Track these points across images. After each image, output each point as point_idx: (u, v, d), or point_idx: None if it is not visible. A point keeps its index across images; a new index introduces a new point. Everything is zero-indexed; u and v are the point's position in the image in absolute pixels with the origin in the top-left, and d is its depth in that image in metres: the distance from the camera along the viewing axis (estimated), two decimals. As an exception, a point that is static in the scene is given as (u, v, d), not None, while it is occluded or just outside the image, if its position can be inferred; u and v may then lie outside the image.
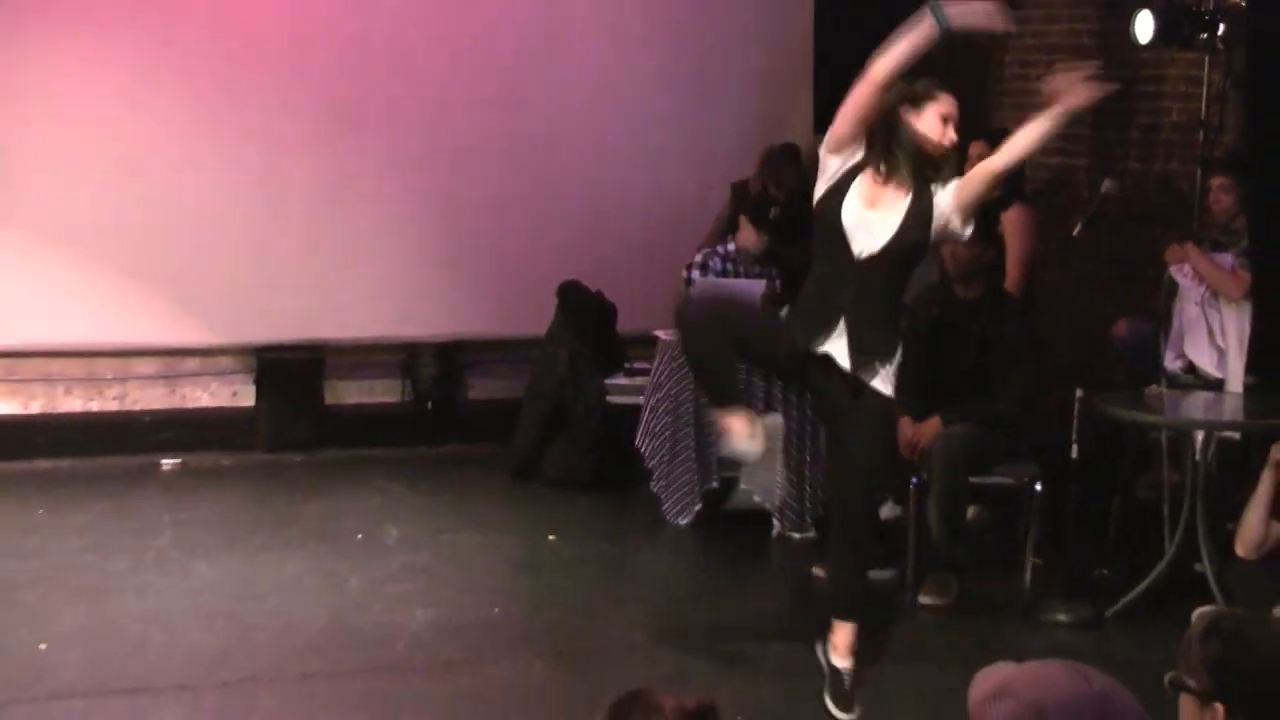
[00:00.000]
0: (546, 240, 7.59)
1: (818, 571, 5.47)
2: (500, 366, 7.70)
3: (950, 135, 4.30)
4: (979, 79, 7.86)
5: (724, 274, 6.60)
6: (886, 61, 4.15)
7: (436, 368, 7.61)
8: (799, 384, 5.39)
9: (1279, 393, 5.48)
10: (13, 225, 6.90)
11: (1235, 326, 5.79)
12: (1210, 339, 5.87)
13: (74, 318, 7.01)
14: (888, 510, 5.90)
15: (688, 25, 7.81)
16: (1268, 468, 4.34)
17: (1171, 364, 5.99)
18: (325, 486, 6.76)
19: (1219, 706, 2.10)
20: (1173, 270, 6.01)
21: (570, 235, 7.57)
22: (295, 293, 7.30)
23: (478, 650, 4.85)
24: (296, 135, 7.24)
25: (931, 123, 4.28)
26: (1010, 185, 6.19)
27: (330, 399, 7.54)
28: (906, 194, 4.28)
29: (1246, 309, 5.76)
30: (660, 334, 6.38)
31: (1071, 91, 4.15)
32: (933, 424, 5.36)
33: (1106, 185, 6.34)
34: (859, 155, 4.33)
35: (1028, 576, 5.51)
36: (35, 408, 7.18)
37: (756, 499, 5.85)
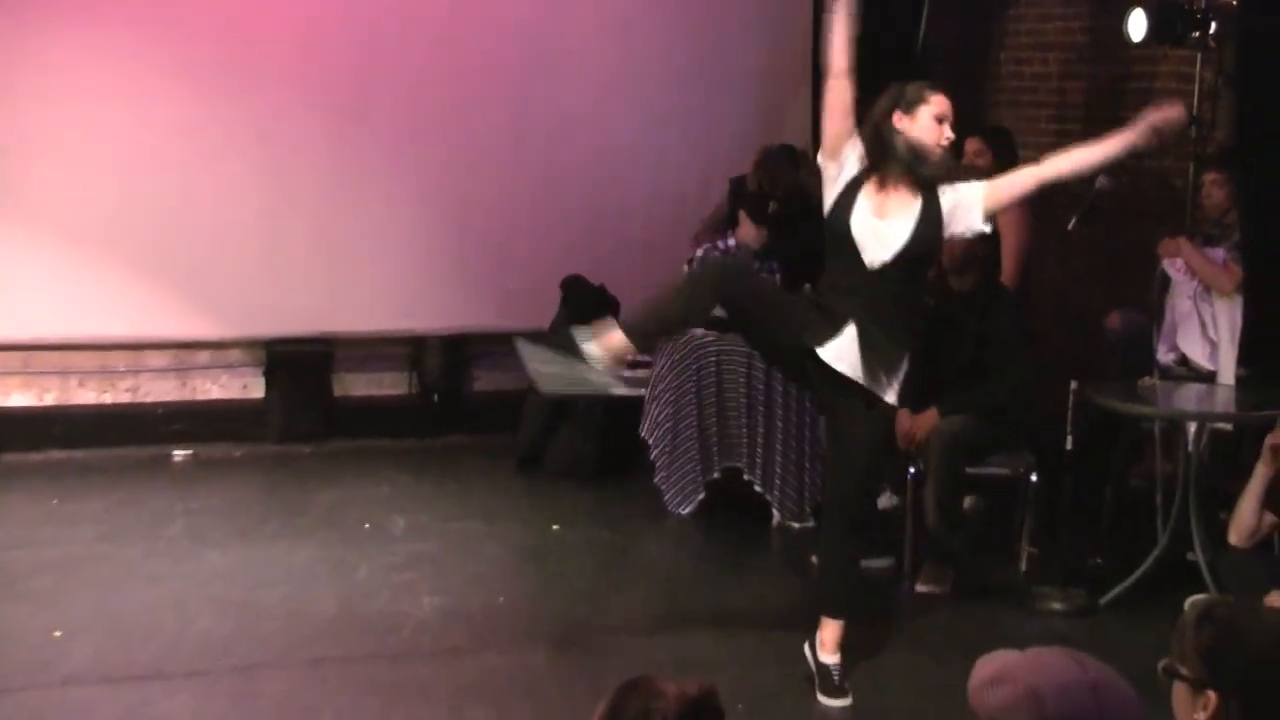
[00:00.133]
0: (550, 236, 7.59)
1: (816, 560, 5.47)
2: (505, 359, 7.66)
3: (947, 134, 4.26)
4: (974, 76, 7.85)
5: (725, 268, 6.59)
6: (828, 49, 4.24)
7: (443, 360, 7.61)
8: (800, 378, 5.37)
9: (1270, 384, 5.47)
10: (28, 222, 6.90)
11: (1227, 319, 5.78)
12: (1202, 332, 5.86)
13: (87, 312, 7.01)
14: (885, 500, 5.89)
15: (688, 26, 7.80)
16: (1262, 458, 4.33)
17: (1164, 356, 5.99)
18: (334, 477, 6.76)
19: (1212, 694, 2.10)
20: (1166, 264, 6.00)
21: (573, 232, 7.57)
22: (304, 287, 7.30)
23: (483, 637, 4.85)
24: (307, 134, 7.24)
25: (927, 125, 4.24)
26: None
27: (339, 391, 7.55)
28: (914, 202, 4.24)
29: (1238, 302, 5.75)
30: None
31: (1162, 121, 4.21)
32: (929, 415, 5.35)
33: (1101, 181, 6.32)
34: (854, 161, 4.28)
35: (1023, 565, 5.52)
36: (49, 400, 7.19)
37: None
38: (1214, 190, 5.92)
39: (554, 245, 7.49)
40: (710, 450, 6.23)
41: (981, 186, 4.30)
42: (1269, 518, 4.32)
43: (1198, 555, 5.07)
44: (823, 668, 4.44)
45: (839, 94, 4.28)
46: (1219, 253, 5.83)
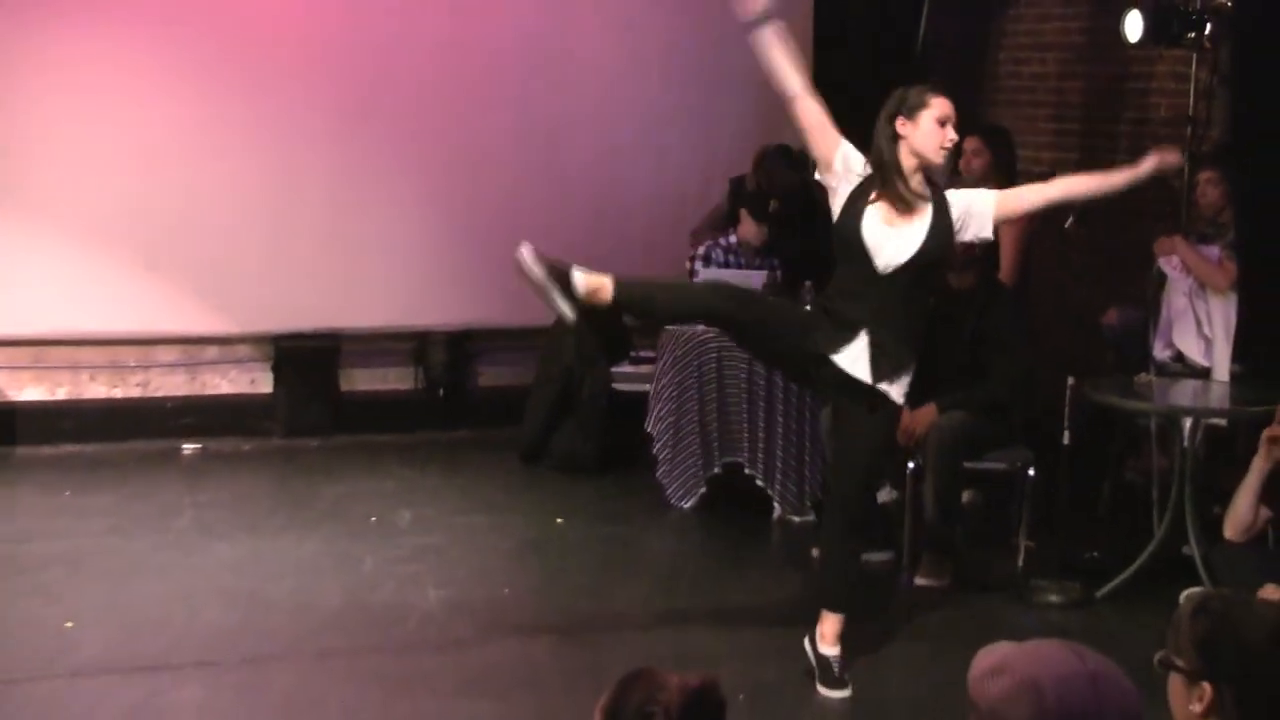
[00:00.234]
0: (553, 234, 7.50)
1: (816, 553, 5.47)
2: (509, 354, 7.70)
3: (950, 136, 4.24)
4: (973, 76, 7.84)
5: (726, 265, 6.60)
6: (772, 76, 4.29)
7: (447, 355, 7.61)
8: (801, 379, 5.37)
9: (1264, 381, 5.46)
10: (39, 219, 6.90)
11: (1222, 316, 5.78)
12: (1198, 329, 5.85)
13: (98, 308, 7.01)
14: (885, 494, 5.90)
15: (688, 27, 7.77)
16: (1259, 453, 4.32)
17: (1160, 353, 5.98)
18: (340, 470, 6.76)
19: (1207, 685, 2.10)
20: (1161, 262, 5.99)
21: (575, 230, 7.53)
22: (312, 284, 7.30)
23: (487, 629, 4.85)
24: (315, 134, 7.24)
25: (929, 128, 4.22)
26: (1005, 178, 6.19)
27: (345, 386, 7.55)
28: (924, 207, 4.23)
29: (1232, 299, 5.74)
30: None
31: (1162, 161, 4.37)
32: (928, 411, 5.34)
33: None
34: (853, 166, 4.26)
35: (1020, 558, 5.51)
36: (61, 394, 7.19)
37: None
38: (1209, 189, 5.91)
39: (556, 243, 7.36)
40: (711, 445, 6.23)
41: (993, 197, 4.34)
42: (1264, 512, 4.32)
43: (1193, 549, 5.06)
44: (822, 659, 4.43)
45: (808, 114, 4.26)
46: (1214, 251, 5.83)
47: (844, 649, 4.46)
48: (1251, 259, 5.73)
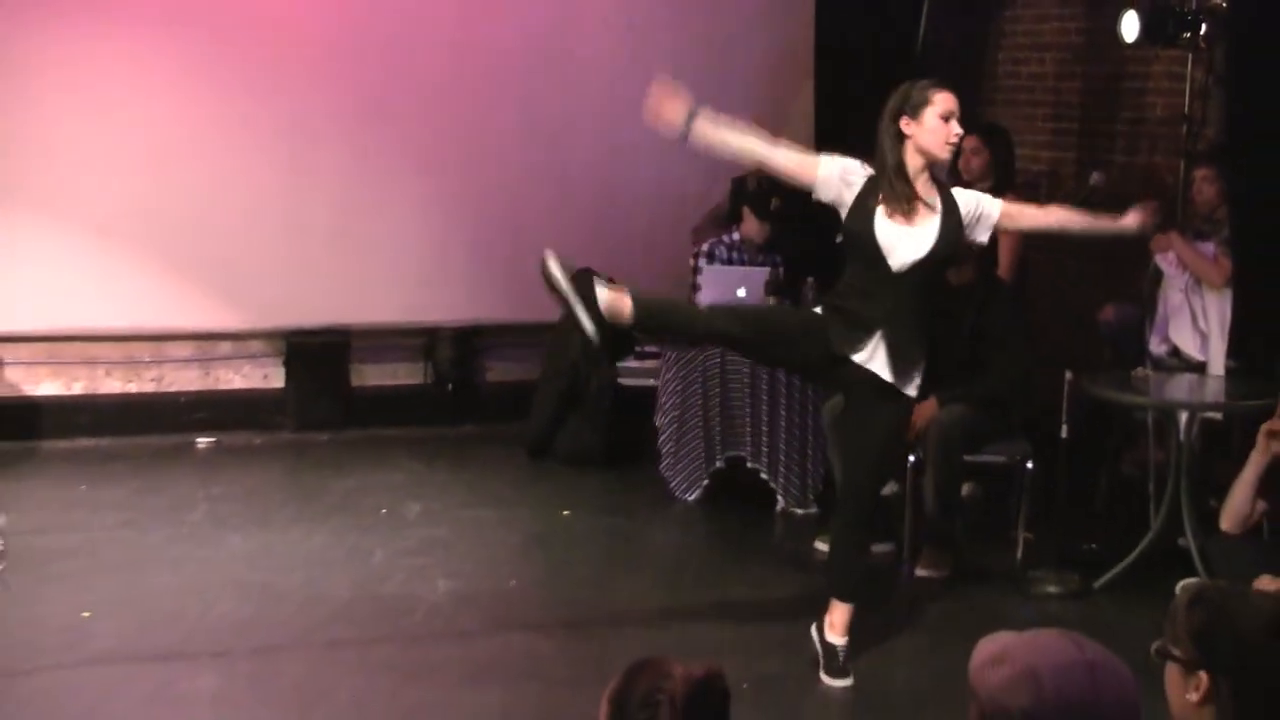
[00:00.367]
0: (559, 232, 7.53)
1: (819, 545, 5.47)
2: (516, 350, 7.69)
3: (955, 131, 4.19)
4: (972, 75, 7.83)
5: (729, 262, 6.59)
6: (740, 154, 4.35)
7: (456, 351, 7.60)
8: (819, 380, 5.37)
9: (1259, 375, 5.46)
10: (54, 216, 6.90)
11: (1217, 312, 5.77)
12: (1193, 324, 5.84)
13: (114, 305, 7.01)
14: (886, 487, 5.88)
15: (692, 27, 7.76)
16: (1256, 446, 4.31)
17: (1156, 348, 5.97)
18: (350, 464, 6.76)
19: (1203, 674, 2.09)
20: (1158, 258, 5.99)
21: (581, 227, 7.54)
22: (322, 281, 7.30)
23: (494, 620, 4.85)
24: (327, 134, 7.24)
25: (933, 125, 4.17)
26: (1003, 176, 6.18)
27: (355, 381, 7.54)
28: (934, 205, 4.21)
29: (1228, 295, 5.74)
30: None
31: (1140, 218, 4.42)
32: (929, 405, 5.33)
33: (1095, 177, 6.30)
34: (852, 174, 4.22)
35: (1019, 550, 5.50)
36: (77, 389, 7.19)
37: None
38: (1205, 186, 5.90)
39: (563, 240, 7.38)
40: (714, 439, 6.22)
41: (998, 206, 4.32)
42: (1260, 504, 4.31)
43: (1189, 541, 5.05)
44: (830, 648, 4.43)
45: (782, 162, 4.23)
46: (1209, 247, 5.82)
47: (852, 640, 4.45)
48: (1246, 255, 5.73)
